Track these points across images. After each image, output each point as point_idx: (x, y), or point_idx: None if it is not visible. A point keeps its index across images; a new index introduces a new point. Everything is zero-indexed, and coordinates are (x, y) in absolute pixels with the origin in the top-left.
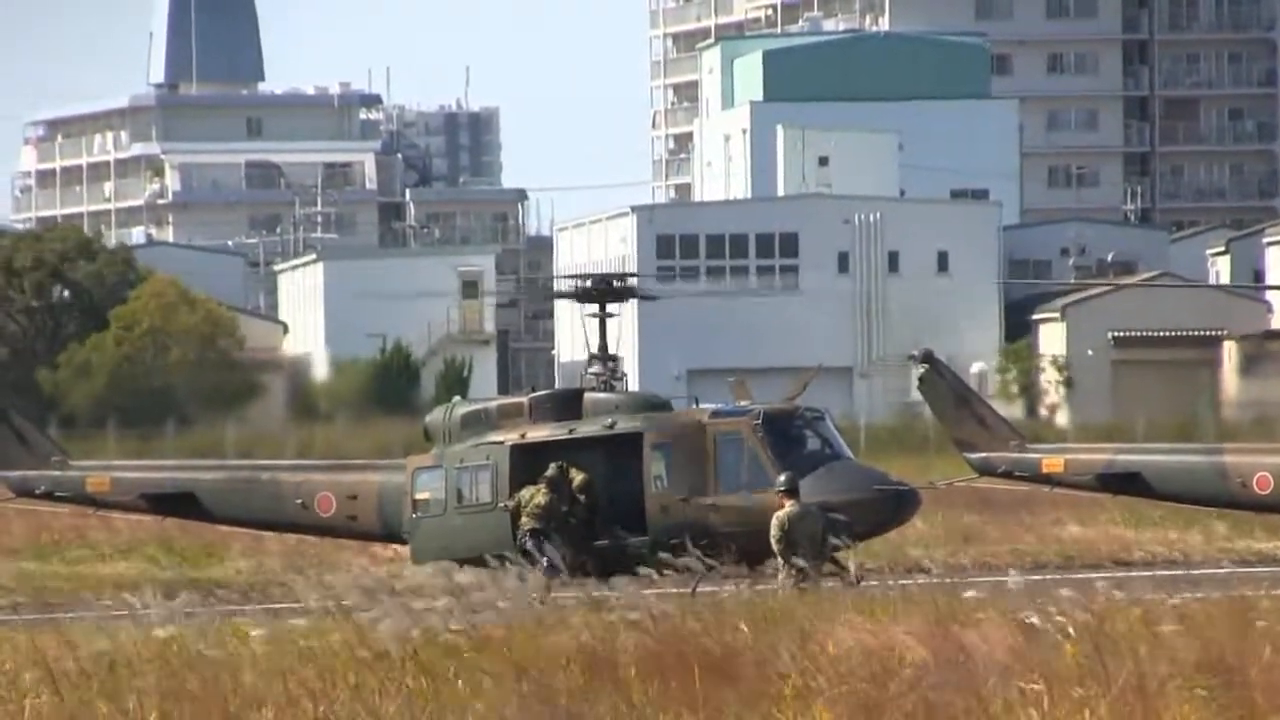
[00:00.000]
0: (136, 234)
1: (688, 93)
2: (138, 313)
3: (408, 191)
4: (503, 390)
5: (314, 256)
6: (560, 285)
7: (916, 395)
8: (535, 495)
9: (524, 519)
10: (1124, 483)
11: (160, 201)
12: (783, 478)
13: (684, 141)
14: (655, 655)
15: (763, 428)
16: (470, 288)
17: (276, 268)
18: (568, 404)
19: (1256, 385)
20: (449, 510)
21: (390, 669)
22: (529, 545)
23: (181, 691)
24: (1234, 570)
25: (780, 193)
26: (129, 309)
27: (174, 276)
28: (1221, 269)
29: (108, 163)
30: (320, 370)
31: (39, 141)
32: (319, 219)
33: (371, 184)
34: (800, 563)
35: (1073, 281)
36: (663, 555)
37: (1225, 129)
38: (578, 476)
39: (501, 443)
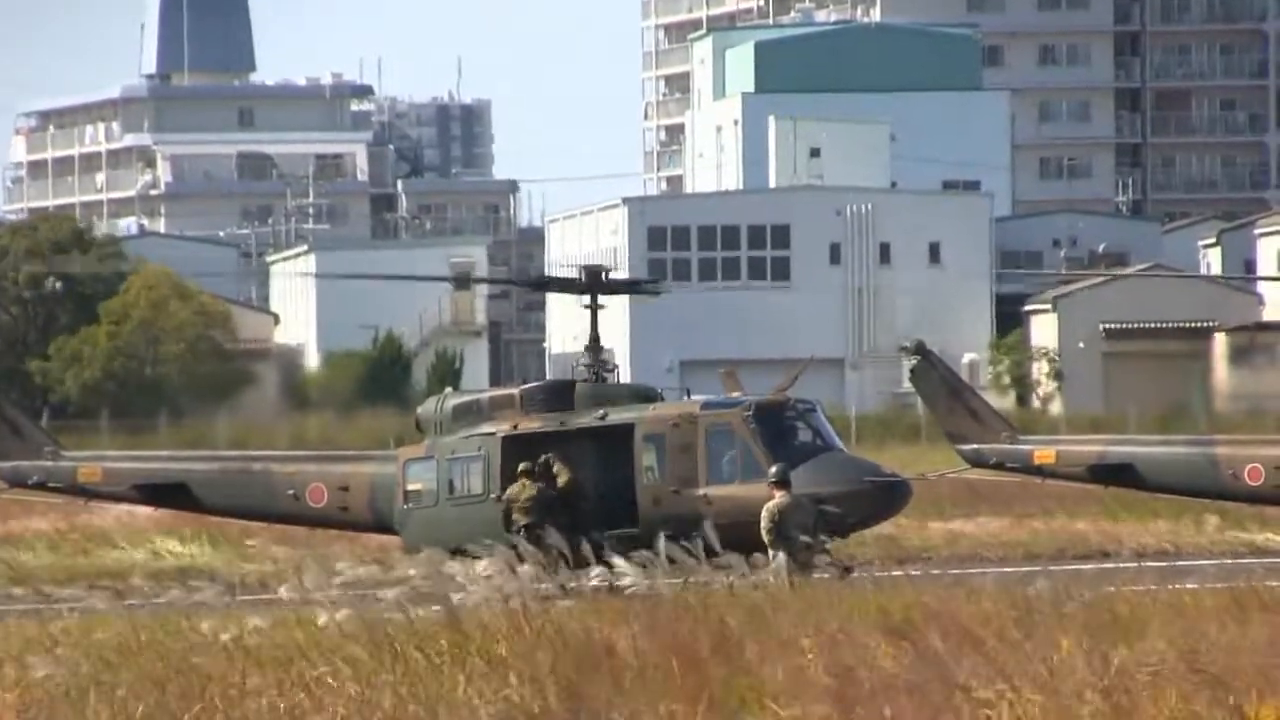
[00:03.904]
0: (128, 225)
1: (679, 84)
2: (129, 305)
3: (399, 183)
4: (494, 382)
5: (306, 248)
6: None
7: (908, 386)
8: (523, 490)
9: (516, 515)
10: (1115, 474)
11: (152, 192)
12: (774, 469)
13: (675, 133)
14: (647, 645)
15: (754, 419)
16: (462, 280)
17: (268, 259)
18: (559, 395)
19: (1247, 377)
20: (441, 501)
21: (384, 659)
22: (526, 540)
23: (169, 680)
24: (1225, 561)
25: (772, 184)
26: (120, 301)
27: (166, 268)
28: (1213, 260)
29: (99, 153)
30: (312, 361)
31: (30, 132)
32: (310, 210)
33: (363, 175)
34: (791, 554)
35: (1063, 271)
36: (654, 546)
37: (1217, 120)
38: (554, 463)
39: (493, 434)
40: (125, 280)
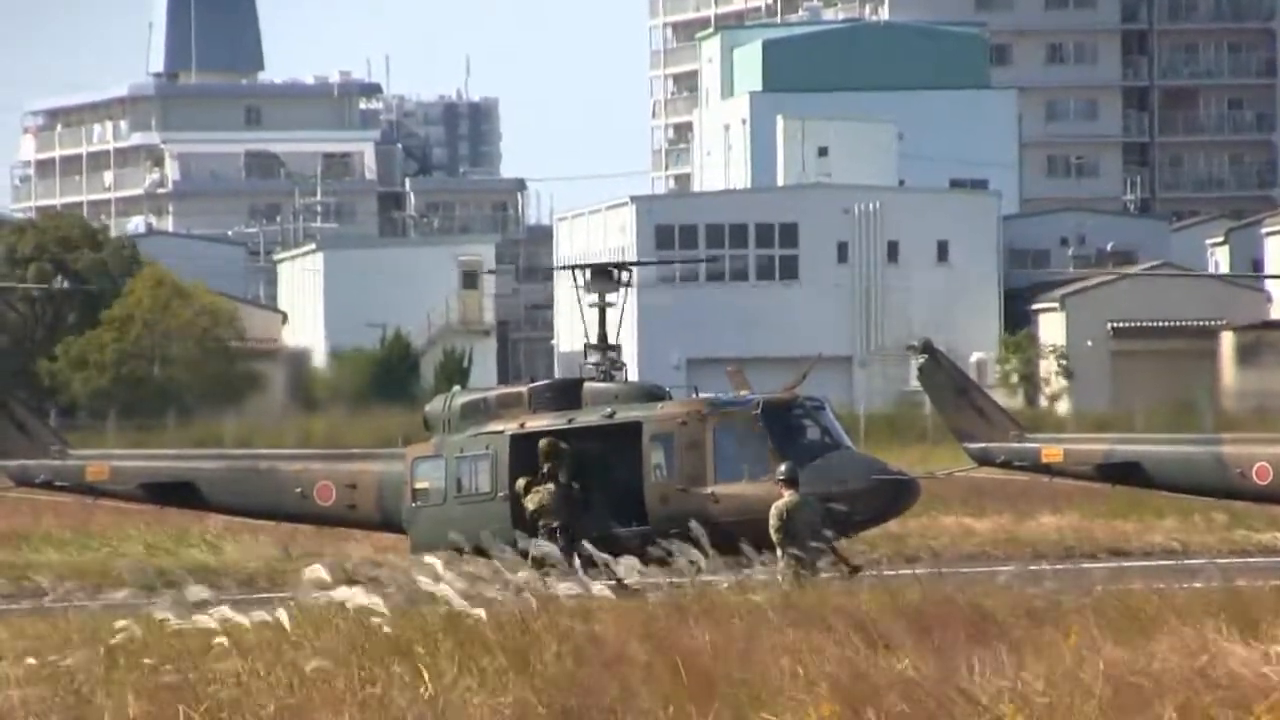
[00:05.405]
0: (136, 223)
1: (687, 82)
2: (131, 307)
3: (407, 181)
4: (502, 380)
5: (314, 246)
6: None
7: (916, 385)
8: (542, 495)
9: (545, 519)
10: (1123, 473)
11: (160, 191)
12: (782, 467)
13: (683, 131)
14: (653, 645)
15: (762, 417)
16: (470, 277)
17: (276, 257)
18: (567, 393)
19: (1255, 376)
20: (448, 500)
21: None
22: (561, 543)
23: (174, 683)
24: (1232, 560)
25: (780, 182)
26: (122, 305)
27: (166, 268)
28: (1221, 259)
29: (107, 152)
30: (320, 360)
31: (38, 131)
32: (318, 208)
33: (371, 174)
34: (799, 553)
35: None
36: (661, 544)
37: (1224, 119)
38: (545, 444)
39: (501, 432)
40: (130, 281)
